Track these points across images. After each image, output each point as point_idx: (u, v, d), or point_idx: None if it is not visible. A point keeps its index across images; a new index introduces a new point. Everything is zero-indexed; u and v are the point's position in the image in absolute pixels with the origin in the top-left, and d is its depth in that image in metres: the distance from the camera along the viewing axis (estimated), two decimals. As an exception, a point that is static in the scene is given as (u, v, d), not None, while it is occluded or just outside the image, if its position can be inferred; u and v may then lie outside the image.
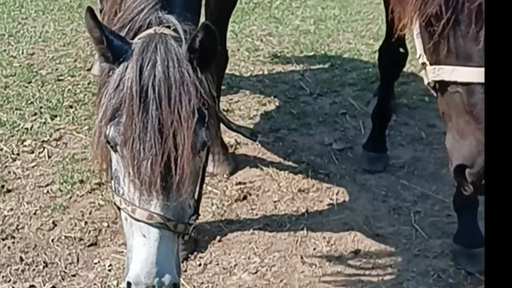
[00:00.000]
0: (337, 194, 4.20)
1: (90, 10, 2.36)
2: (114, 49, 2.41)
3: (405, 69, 4.62)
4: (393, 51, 4.29)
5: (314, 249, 3.80)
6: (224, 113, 4.68)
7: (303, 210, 4.05)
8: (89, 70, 5.44)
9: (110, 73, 2.46)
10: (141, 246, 2.39)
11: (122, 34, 2.53)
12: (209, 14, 4.01)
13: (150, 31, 2.51)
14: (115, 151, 2.42)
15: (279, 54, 5.84)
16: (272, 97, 5.19)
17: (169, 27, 2.52)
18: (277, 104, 5.14)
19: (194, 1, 2.90)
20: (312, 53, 5.82)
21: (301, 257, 3.73)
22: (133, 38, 2.52)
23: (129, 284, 2.39)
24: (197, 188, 2.60)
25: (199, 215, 2.64)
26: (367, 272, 3.65)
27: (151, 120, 2.33)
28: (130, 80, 2.36)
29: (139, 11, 2.57)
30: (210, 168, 4.12)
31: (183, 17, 2.61)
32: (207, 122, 2.43)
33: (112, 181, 2.52)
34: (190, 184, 2.43)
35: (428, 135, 4.77)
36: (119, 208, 2.52)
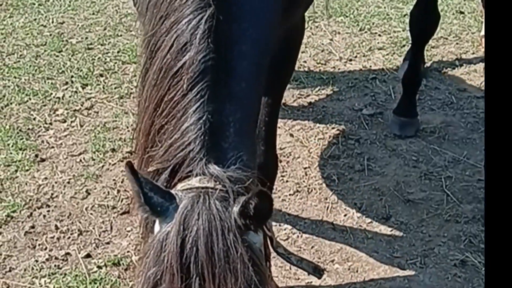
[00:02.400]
0: (367, 160, 4.20)
1: (130, 165, 2.12)
2: (153, 207, 2.15)
3: (435, 33, 4.58)
4: (424, 15, 4.24)
5: (345, 215, 3.82)
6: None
7: (334, 177, 4.06)
8: None
9: (153, 231, 2.23)
10: None
11: (161, 180, 2.28)
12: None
13: (194, 182, 2.21)
14: None
15: (308, 19, 5.79)
16: (301, 63, 5.17)
17: (214, 179, 2.21)
18: (306, 69, 5.12)
19: (251, 122, 2.49)
20: (341, 18, 5.77)
21: (332, 224, 3.75)
22: (174, 186, 2.26)
23: None
24: None
25: None
26: (398, 238, 3.66)
27: None
28: (170, 255, 2.11)
29: (182, 158, 2.27)
30: None
31: (236, 158, 2.31)
32: None
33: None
34: None
35: (459, 100, 4.73)
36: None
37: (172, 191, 2.19)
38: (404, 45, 5.33)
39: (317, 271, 3.07)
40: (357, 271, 3.50)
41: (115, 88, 4.91)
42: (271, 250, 2.77)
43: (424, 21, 4.31)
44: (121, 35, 5.61)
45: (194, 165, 2.24)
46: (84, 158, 4.20)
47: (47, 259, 3.49)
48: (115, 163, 4.17)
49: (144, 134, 2.42)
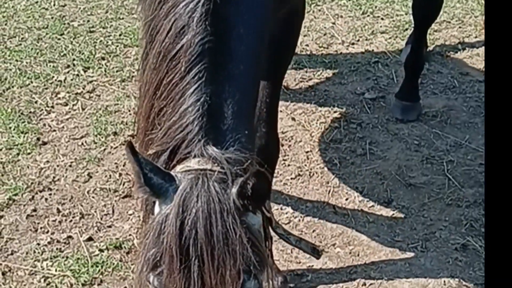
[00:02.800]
0: (369, 144, 4.19)
1: (130, 146, 2.12)
2: (153, 187, 2.14)
3: (438, 17, 4.56)
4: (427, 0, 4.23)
5: (347, 199, 3.82)
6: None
7: (336, 161, 4.06)
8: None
9: (153, 212, 2.23)
10: None
11: (160, 162, 2.28)
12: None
13: (192, 164, 2.21)
14: None
15: (310, 2, 5.76)
16: (303, 46, 5.15)
17: (213, 161, 2.21)
18: (308, 53, 5.10)
19: (249, 104, 2.49)
20: (343, 1, 5.74)
21: (334, 208, 3.75)
22: (173, 167, 2.26)
23: None
24: None
25: None
26: (399, 222, 3.67)
27: (193, 280, 2.08)
28: (169, 237, 2.11)
29: (181, 139, 2.27)
30: None
31: (234, 139, 2.30)
32: (256, 273, 2.13)
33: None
34: None
35: (461, 84, 4.72)
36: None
37: (172, 173, 2.19)
38: (406, 29, 5.31)
39: (316, 252, 3.12)
40: (358, 255, 3.51)
41: (117, 71, 4.90)
42: (271, 231, 2.75)
43: (427, 6, 4.29)
44: (123, 18, 5.59)
45: (193, 147, 2.23)
46: (86, 142, 4.20)
47: (49, 242, 3.50)
48: (117, 147, 4.17)
49: (145, 118, 2.42)
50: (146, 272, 2.15)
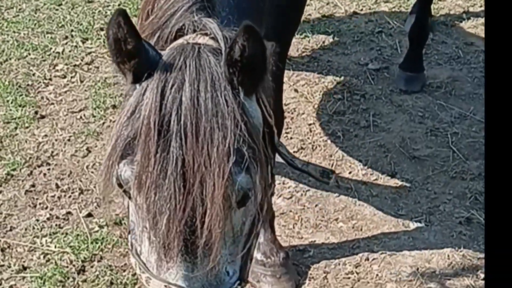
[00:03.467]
0: (373, 115, 4.13)
1: (123, 14, 1.78)
2: (148, 63, 1.85)
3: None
4: None
5: (350, 172, 3.77)
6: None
7: (339, 133, 4.00)
8: None
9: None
10: None
11: (153, 42, 1.98)
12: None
13: (181, 41, 1.94)
14: (129, 197, 1.92)
15: (312, -29, 5.67)
16: (306, 16, 5.06)
17: (206, 34, 1.94)
18: (311, 23, 5.02)
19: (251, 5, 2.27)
20: (346, -31, 5.65)
21: (336, 181, 3.70)
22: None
23: None
24: (242, 249, 1.94)
25: (246, 282, 2.01)
26: (403, 196, 3.62)
27: (172, 161, 1.76)
28: (148, 107, 1.80)
29: (171, 13, 2.01)
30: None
31: (230, 21, 2.07)
32: (249, 165, 1.81)
33: (129, 236, 2.00)
34: (226, 246, 1.86)
35: (466, 54, 4.64)
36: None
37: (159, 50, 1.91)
38: (410, -3, 5.22)
39: (326, 175, 2.57)
40: (361, 230, 3.47)
41: (116, 42, 4.81)
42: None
43: None
44: (121, -12, 5.50)
45: (185, 22, 1.99)
46: (84, 115, 4.14)
47: (48, 218, 3.46)
48: (115, 120, 4.10)
49: (145, 12, 2.16)
50: (116, 161, 1.85)
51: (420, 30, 4.36)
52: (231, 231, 1.86)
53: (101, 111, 4.16)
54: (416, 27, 4.36)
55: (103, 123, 4.08)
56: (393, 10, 5.11)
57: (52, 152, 3.87)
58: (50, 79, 4.44)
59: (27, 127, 4.02)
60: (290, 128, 4.05)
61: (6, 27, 4.94)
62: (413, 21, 4.42)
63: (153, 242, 1.82)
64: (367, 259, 3.34)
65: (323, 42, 4.79)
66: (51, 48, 4.72)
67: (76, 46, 4.75)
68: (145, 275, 1.88)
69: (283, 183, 3.68)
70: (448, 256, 3.34)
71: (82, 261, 3.27)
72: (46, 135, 3.98)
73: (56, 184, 3.66)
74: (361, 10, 5.13)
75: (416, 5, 4.68)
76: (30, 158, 3.80)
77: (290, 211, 3.54)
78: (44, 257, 3.29)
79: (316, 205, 3.57)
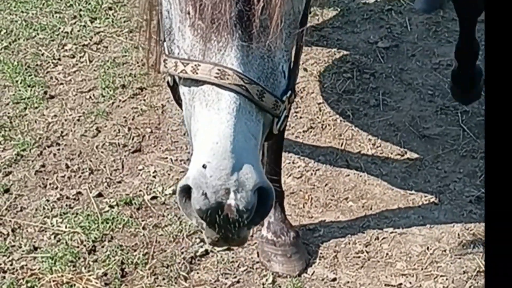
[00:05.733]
0: (382, 94, 4.11)
1: None
2: None
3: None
4: None
5: (359, 152, 3.76)
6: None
7: (348, 112, 3.99)
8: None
9: None
10: (207, 125, 1.67)
11: None
12: None
13: None
14: None
15: None
16: (314, -6, 5.04)
17: None
18: (320, 0, 4.98)
19: None
20: None
21: (346, 161, 3.69)
22: None
23: (184, 190, 1.70)
24: (291, 46, 1.84)
25: (295, 95, 1.93)
26: (413, 175, 3.62)
27: None
28: None
29: None
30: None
31: None
32: None
33: (165, 44, 1.88)
34: (282, 34, 1.73)
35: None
36: (172, 87, 1.87)
37: None
38: (421, -26, 5.17)
39: None
40: (371, 209, 3.46)
41: (124, 21, 4.80)
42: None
43: None
44: (129, -34, 5.48)
45: None
46: (93, 95, 4.14)
47: (58, 199, 3.47)
48: (125, 100, 4.10)
49: None
50: None
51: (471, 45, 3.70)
52: (290, 11, 1.76)
53: (110, 90, 4.15)
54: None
55: (113, 103, 4.07)
56: (403, -13, 5.08)
57: (62, 132, 3.87)
58: (59, 59, 4.44)
59: (36, 108, 4.02)
60: (300, 107, 4.03)
61: (14, 7, 4.93)
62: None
63: (198, 26, 1.70)
64: (377, 238, 3.34)
65: (332, 20, 4.76)
66: (59, 28, 4.71)
67: (84, 26, 4.74)
68: (190, 66, 1.72)
69: (293, 162, 3.68)
70: (459, 235, 3.33)
71: (93, 241, 3.28)
72: (55, 115, 3.98)
73: (66, 164, 3.66)
74: (371, -13, 5.10)
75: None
76: (39, 138, 3.81)
77: (300, 190, 3.53)
78: (54, 237, 3.31)
79: (326, 185, 3.56)
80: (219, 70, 1.68)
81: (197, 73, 1.71)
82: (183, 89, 1.81)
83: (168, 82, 1.91)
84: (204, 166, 1.65)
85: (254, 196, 1.68)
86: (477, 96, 3.86)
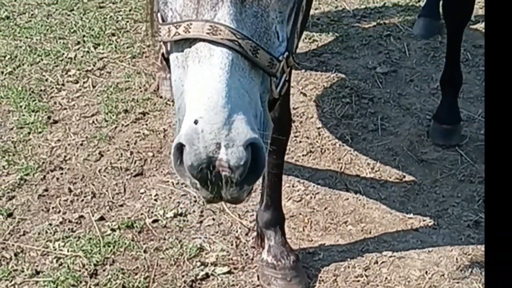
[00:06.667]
0: (381, 119, 4.16)
1: None
2: None
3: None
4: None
5: (358, 176, 3.80)
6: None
7: (347, 137, 4.04)
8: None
9: None
10: (199, 80, 1.68)
11: None
12: None
13: None
14: None
15: (321, -26, 5.71)
16: (314, 20, 5.10)
17: None
18: (319, 27, 5.06)
19: None
20: (355, -28, 5.68)
21: (345, 184, 3.74)
22: None
23: (178, 149, 1.69)
24: (290, 12, 1.85)
25: (293, 56, 1.90)
26: (411, 199, 3.65)
27: None
28: None
29: None
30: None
31: None
32: None
33: (159, 14, 1.88)
34: None
35: (474, 57, 4.67)
36: (166, 59, 1.87)
37: None
38: (419, 1, 5.25)
39: None
40: (370, 233, 3.49)
41: (127, 47, 4.88)
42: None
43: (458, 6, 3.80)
44: (132, -7, 5.56)
45: None
46: (96, 120, 4.20)
47: (60, 222, 3.51)
48: (127, 124, 4.16)
49: None
50: None
51: (452, 76, 3.97)
52: None
53: (113, 115, 4.21)
54: (447, 74, 3.99)
55: (115, 127, 4.13)
56: (401, 13, 5.15)
57: (65, 156, 3.92)
58: (63, 84, 4.50)
59: (40, 132, 4.08)
60: (299, 131, 4.09)
61: (19, 33, 5.01)
62: (443, 68, 4.04)
63: None
64: (376, 262, 3.37)
65: (331, 46, 4.83)
66: (63, 54, 4.78)
67: (88, 52, 4.81)
68: (182, 26, 1.72)
69: (293, 186, 3.72)
70: (457, 259, 3.36)
71: (95, 265, 3.30)
72: (59, 140, 4.04)
73: (69, 188, 3.71)
74: (369, 13, 5.17)
75: (424, 8, 4.69)
76: (43, 162, 3.85)
77: (300, 214, 3.57)
78: (57, 261, 3.34)
79: (325, 208, 3.60)
80: (211, 26, 1.68)
81: (189, 32, 1.71)
82: (176, 54, 1.80)
83: (163, 55, 1.89)
84: (195, 122, 1.65)
85: (246, 152, 1.66)
86: (456, 139, 3.96)
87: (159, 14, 1.88)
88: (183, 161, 1.69)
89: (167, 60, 1.90)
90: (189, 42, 1.75)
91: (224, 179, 1.67)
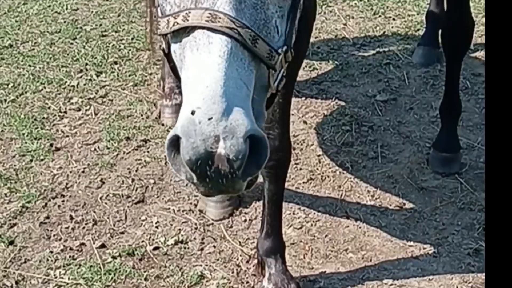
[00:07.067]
0: (381, 147, 4.18)
1: None
2: None
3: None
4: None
5: (359, 203, 3.82)
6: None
7: (347, 164, 4.06)
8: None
9: None
10: (197, 68, 1.64)
11: None
12: None
13: None
14: None
15: (321, 3, 5.76)
16: (314, 48, 5.15)
17: None
18: (319, 55, 5.10)
19: None
20: (355, 2, 5.73)
21: (346, 212, 3.75)
22: None
23: (173, 142, 1.64)
24: (289, 7, 1.87)
25: (291, 51, 1.90)
26: (411, 227, 3.66)
27: None
28: None
29: None
30: None
31: None
32: None
33: (158, 8, 1.88)
34: None
35: (474, 85, 4.70)
36: (166, 54, 1.85)
37: None
38: (418, 29, 5.30)
39: None
40: (370, 260, 3.50)
41: (129, 75, 4.92)
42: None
43: (457, 33, 3.81)
44: (134, 22, 5.62)
45: None
46: (98, 147, 4.22)
47: (62, 250, 3.52)
48: (129, 152, 4.18)
49: None
50: None
51: (451, 105, 3.98)
52: None
53: (115, 143, 4.23)
54: (446, 102, 4.00)
55: (117, 154, 4.15)
56: (401, 41, 5.19)
57: (67, 184, 3.94)
58: (65, 112, 4.54)
59: (42, 160, 4.10)
60: (300, 159, 4.11)
61: (22, 61, 5.06)
62: (443, 97, 4.05)
63: None
64: (377, 289, 3.37)
65: (331, 74, 4.87)
66: (66, 82, 4.82)
67: (90, 80, 4.86)
68: (181, 15, 1.70)
69: (293, 213, 3.74)
70: (457, 287, 3.36)
71: (96, 292, 3.32)
72: (60, 167, 4.06)
73: (70, 215, 3.72)
74: (369, 42, 5.22)
75: (424, 37, 4.73)
76: (45, 190, 3.87)
77: (301, 241, 3.58)
78: (58, 288, 3.35)
79: (326, 236, 3.61)
80: (210, 14, 1.66)
81: (188, 20, 1.69)
82: (174, 47, 1.78)
83: (163, 50, 1.87)
84: (193, 113, 1.59)
85: (246, 145, 1.62)
86: (456, 167, 3.98)
87: (158, 9, 1.87)
88: (180, 154, 1.63)
89: (167, 55, 1.89)
90: (187, 31, 1.73)
91: (224, 174, 1.62)
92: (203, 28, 1.67)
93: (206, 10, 1.66)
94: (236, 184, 1.67)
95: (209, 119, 1.58)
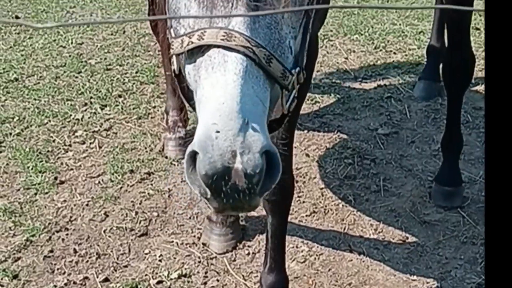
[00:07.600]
0: (383, 180, 4.21)
1: None
2: None
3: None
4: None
5: (362, 237, 3.83)
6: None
7: (350, 197, 4.08)
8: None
9: None
10: (213, 86, 1.66)
11: None
12: None
13: None
14: None
15: (322, 37, 5.82)
16: (316, 81, 5.20)
17: None
18: (321, 89, 5.15)
19: None
20: (356, 36, 5.80)
21: (349, 246, 3.76)
22: None
23: (192, 157, 1.65)
24: (300, 27, 1.89)
25: (303, 73, 1.93)
26: (414, 260, 3.67)
27: None
28: None
29: None
30: None
31: None
32: None
33: (171, 30, 1.90)
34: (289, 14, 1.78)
35: (475, 119, 4.74)
36: (178, 75, 1.87)
37: None
38: (419, 63, 5.35)
39: None
40: (373, 294, 3.51)
41: (133, 108, 4.96)
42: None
43: (457, 70, 3.86)
44: (139, 56, 5.68)
45: None
46: (102, 180, 4.25)
47: (65, 284, 3.52)
48: (133, 185, 4.21)
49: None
50: None
51: (453, 139, 4.01)
52: None
53: (118, 176, 4.26)
54: (448, 136, 4.04)
55: (121, 187, 4.18)
56: (402, 75, 5.24)
57: (71, 217, 3.96)
58: (70, 145, 4.57)
59: (46, 193, 4.13)
60: (302, 192, 4.13)
61: (27, 95, 5.11)
62: (444, 131, 4.09)
63: None
64: (380, 323, 3.38)
65: (333, 107, 4.91)
66: (70, 115, 4.87)
67: (95, 113, 4.90)
68: (196, 35, 1.70)
69: (297, 247, 3.75)
70: (460, 321, 3.37)
71: (99, 326, 3.32)
72: (65, 200, 4.08)
73: (74, 249, 3.74)
74: (371, 75, 5.27)
75: (425, 70, 4.77)
76: (49, 223, 3.89)
77: (304, 275, 3.59)
78: (62, 322, 3.35)
79: (329, 270, 3.62)
80: (225, 33, 1.69)
81: (203, 39, 1.71)
82: (188, 68, 1.80)
83: (174, 71, 1.89)
84: (210, 129, 1.62)
85: (262, 160, 1.64)
86: (458, 201, 4.00)
87: (171, 31, 1.89)
88: (196, 169, 1.65)
89: (177, 76, 1.91)
90: (202, 50, 1.75)
91: (241, 190, 1.64)
92: (218, 46, 1.70)
93: (222, 29, 1.70)
94: (252, 200, 1.68)
95: (226, 134, 1.60)
